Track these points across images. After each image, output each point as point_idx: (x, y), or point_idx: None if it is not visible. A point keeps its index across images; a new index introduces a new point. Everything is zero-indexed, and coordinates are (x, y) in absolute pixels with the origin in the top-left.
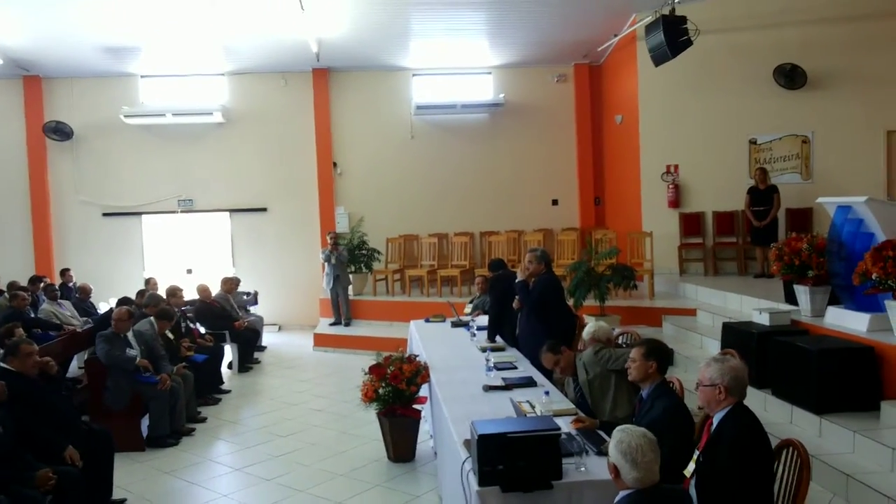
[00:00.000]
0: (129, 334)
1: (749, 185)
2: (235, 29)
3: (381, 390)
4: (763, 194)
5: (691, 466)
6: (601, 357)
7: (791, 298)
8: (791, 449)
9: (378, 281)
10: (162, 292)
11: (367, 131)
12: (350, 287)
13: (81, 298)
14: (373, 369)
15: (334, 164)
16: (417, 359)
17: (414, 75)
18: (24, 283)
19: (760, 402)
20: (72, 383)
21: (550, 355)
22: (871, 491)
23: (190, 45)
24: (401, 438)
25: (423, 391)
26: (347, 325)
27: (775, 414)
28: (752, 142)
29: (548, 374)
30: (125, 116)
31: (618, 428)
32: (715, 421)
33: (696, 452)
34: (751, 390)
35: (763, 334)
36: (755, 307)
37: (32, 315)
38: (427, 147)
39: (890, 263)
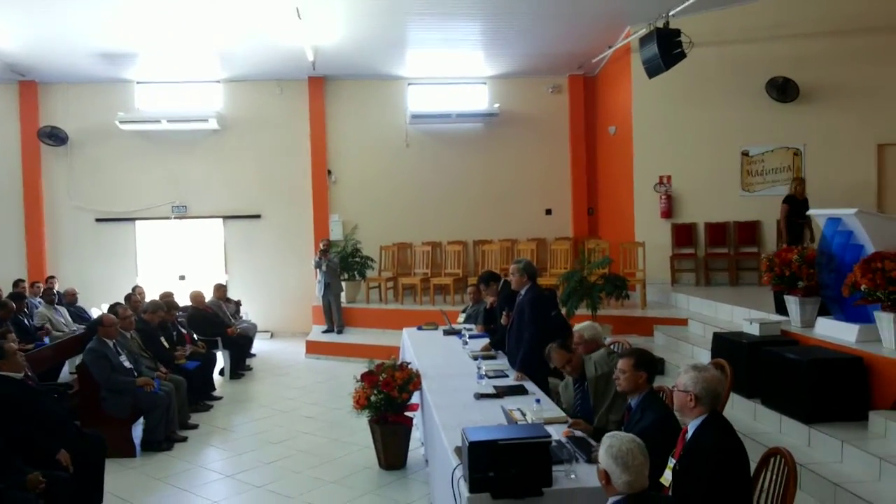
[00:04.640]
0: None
1: (777, 195)
2: (232, 36)
3: (372, 397)
4: (804, 204)
5: (668, 474)
6: (612, 359)
7: (781, 309)
8: (778, 457)
9: (371, 289)
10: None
11: (362, 139)
12: (343, 294)
13: (69, 302)
14: (365, 376)
15: (329, 172)
16: (409, 366)
17: (409, 84)
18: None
19: (750, 412)
20: (63, 388)
21: (563, 352)
22: (858, 500)
23: (186, 52)
24: (392, 446)
25: (415, 398)
26: (340, 332)
27: (765, 423)
28: (745, 154)
29: (539, 382)
30: (120, 122)
31: (607, 434)
32: (690, 429)
33: (672, 461)
34: (740, 399)
35: (753, 344)
36: (746, 317)
37: (25, 321)
38: (422, 156)
39: (879, 275)
